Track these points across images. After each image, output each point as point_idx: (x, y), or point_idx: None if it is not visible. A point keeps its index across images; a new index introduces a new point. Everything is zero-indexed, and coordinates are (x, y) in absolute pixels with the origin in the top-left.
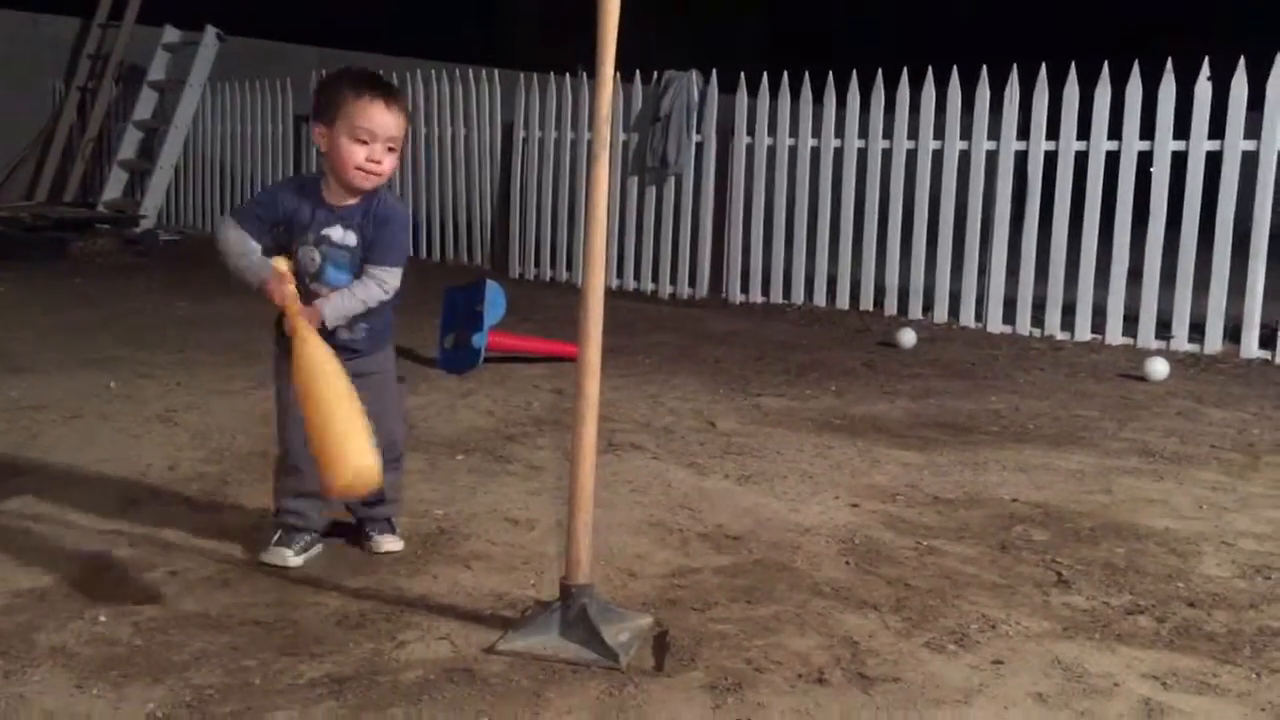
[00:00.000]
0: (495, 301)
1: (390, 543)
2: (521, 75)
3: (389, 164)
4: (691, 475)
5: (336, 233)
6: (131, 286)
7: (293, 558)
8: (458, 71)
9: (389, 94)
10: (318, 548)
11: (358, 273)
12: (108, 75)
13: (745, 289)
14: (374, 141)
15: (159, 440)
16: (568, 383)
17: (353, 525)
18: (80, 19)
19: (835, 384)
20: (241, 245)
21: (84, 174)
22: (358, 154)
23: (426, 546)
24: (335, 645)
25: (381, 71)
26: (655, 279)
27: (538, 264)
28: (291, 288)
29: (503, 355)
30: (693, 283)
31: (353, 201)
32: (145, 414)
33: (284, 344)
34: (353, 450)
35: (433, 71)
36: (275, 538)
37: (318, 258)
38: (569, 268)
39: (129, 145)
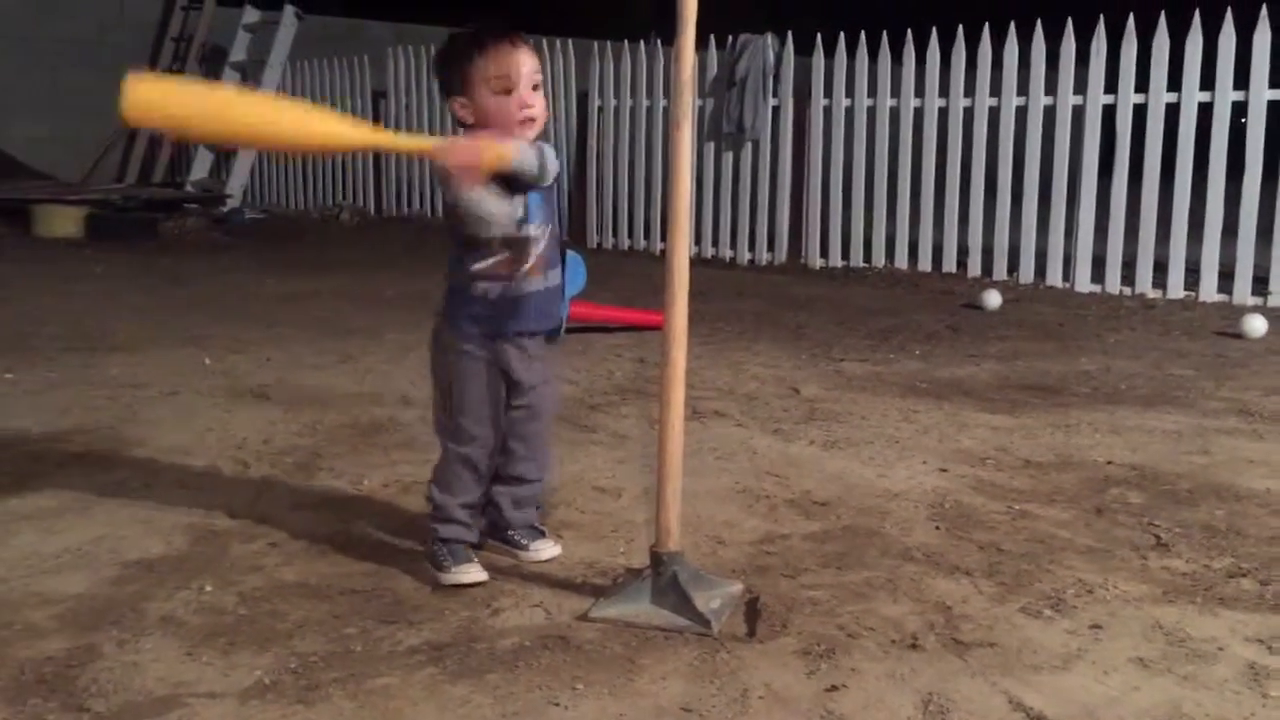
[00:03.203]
0: (576, 272)
1: (549, 548)
2: (595, 44)
3: (541, 103)
4: (777, 442)
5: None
6: (220, 265)
7: (479, 570)
8: (531, 42)
9: (513, 37)
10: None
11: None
12: (191, 57)
13: (825, 253)
14: (518, 86)
15: (254, 414)
16: (649, 351)
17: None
18: (163, 2)
19: (919, 348)
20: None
21: (171, 155)
22: (512, 106)
23: None
24: (432, 613)
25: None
26: (734, 245)
27: (615, 233)
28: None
29: (584, 325)
30: (772, 248)
31: None
32: (239, 389)
33: (460, 346)
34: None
35: None
36: (449, 559)
37: (520, 202)
38: (646, 236)
39: None
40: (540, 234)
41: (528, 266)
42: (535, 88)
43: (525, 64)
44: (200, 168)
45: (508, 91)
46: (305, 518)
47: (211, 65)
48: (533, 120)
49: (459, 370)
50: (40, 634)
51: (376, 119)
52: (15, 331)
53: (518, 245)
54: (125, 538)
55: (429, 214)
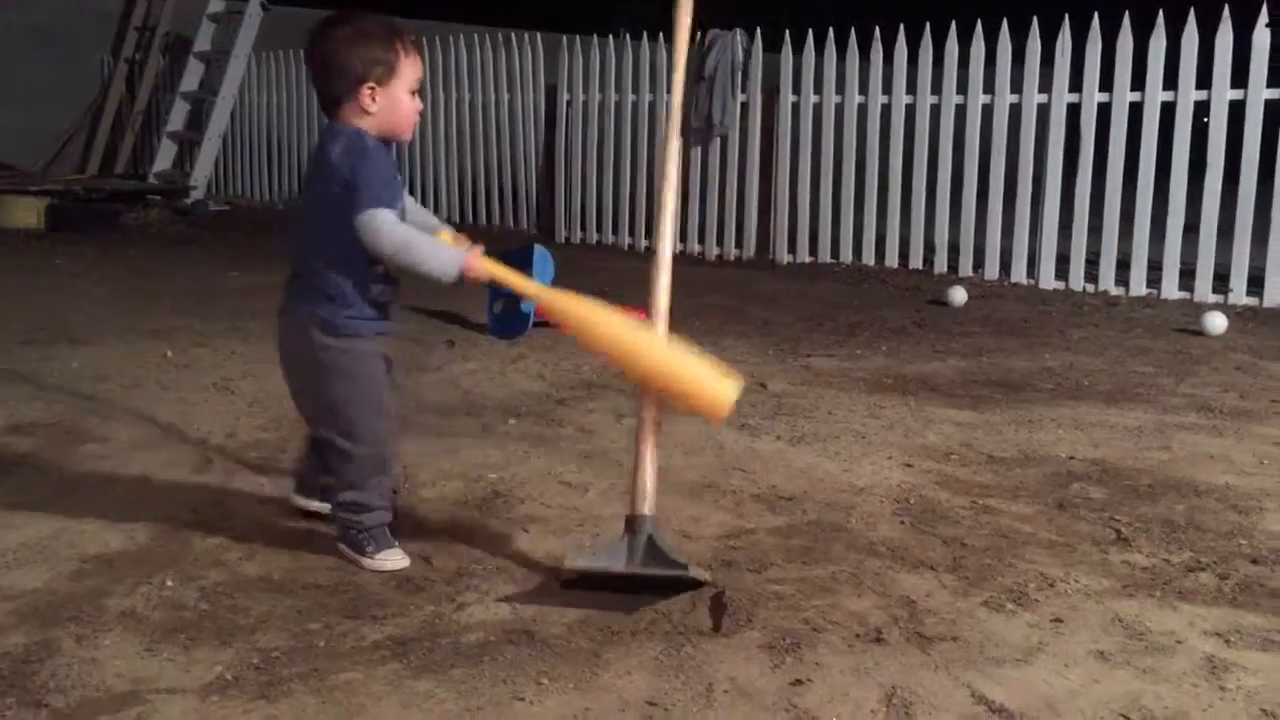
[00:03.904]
0: (543, 267)
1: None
2: (564, 37)
3: None
4: (744, 437)
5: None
6: (184, 257)
7: (402, 555)
8: (500, 35)
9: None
10: None
11: None
12: (155, 47)
13: (793, 249)
14: (418, 91)
15: (217, 408)
16: None
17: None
18: None
19: (886, 343)
20: (412, 232)
21: (134, 146)
22: (413, 108)
23: (482, 510)
24: (396, 608)
25: (424, 39)
26: (701, 240)
27: (584, 228)
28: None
29: (551, 320)
30: (739, 244)
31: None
32: (203, 383)
33: (363, 346)
34: (713, 395)
35: (475, 36)
36: (372, 543)
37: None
38: (615, 231)
39: (177, 116)
40: None
41: None
42: None
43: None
44: (164, 159)
45: (414, 94)
46: (268, 512)
47: (176, 56)
48: (414, 125)
49: (365, 370)
50: None
51: None
52: None
53: None
54: (85, 532)
55: None
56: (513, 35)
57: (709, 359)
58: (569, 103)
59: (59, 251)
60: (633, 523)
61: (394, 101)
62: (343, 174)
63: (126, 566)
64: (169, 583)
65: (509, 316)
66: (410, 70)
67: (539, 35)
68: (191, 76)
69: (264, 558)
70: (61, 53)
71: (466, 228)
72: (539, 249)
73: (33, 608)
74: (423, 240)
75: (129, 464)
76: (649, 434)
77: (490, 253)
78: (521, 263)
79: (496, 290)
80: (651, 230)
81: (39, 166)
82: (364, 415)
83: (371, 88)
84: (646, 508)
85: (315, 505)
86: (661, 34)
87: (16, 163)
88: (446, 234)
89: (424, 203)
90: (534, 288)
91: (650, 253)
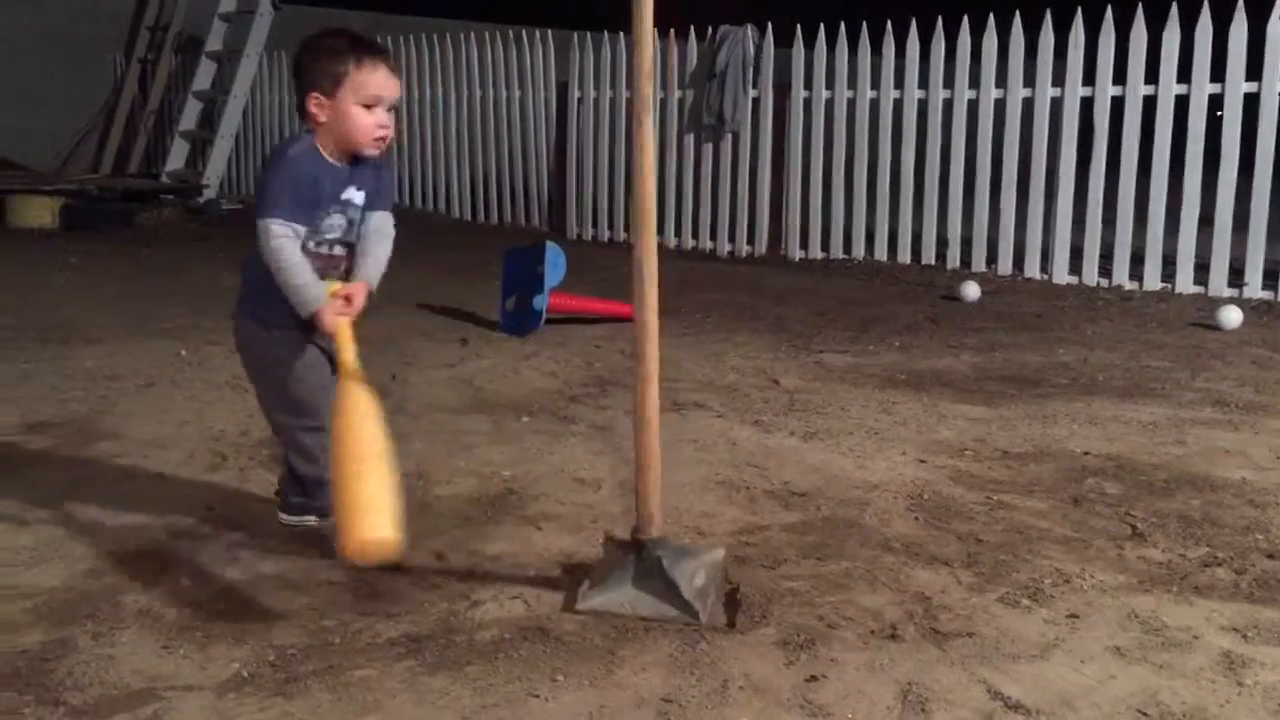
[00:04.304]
0: (555, 263)
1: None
2: (575, 35)
3: (392, 125)
4: (756, 433)
5: (351, 193)
6: (197, 256)
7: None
8: (511, 33)
9: (387, 56)
10: None
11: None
12: (167, 47)
13: (805, 245)
14: (380, 106)
15: (231, 406)
16: (629, 342)
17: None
18: None
19: (899, 339)
20: (294, 258)
21: (147, 145)
22: (370, 122)
23: (496, 508)
24: (411, 605)
25: (435, 35)
26: (714, 237)
27: (595, 225)
28: (346, 320)
29: (563, 316)
30: (752, 240)
31: (350, 161)
32: (216, 381)
33: (283, 333)
34: (368, 523)
35: (486, 34)
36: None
37: (343, 222)
38: (626, 228)
39: (190, 116)
40: (344, 252)
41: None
42: (392, 109)
43: (393, 87)
44: (177, 158)
45: (370, 108)
46: None
47: (188, 55)
48: (385, 140)
49: (302, 355)
50: (15, 627)
51: None
52: None
53: (330, 261)
54: (101, 530)
55: (408, 204)
56: (524, 32)
57: (395, 510)
58: (580, 100)
59: (73, 251)
60: (640, 549)
61: (340, 113)
62: (261, 175)
63: (142, 564)
64: (185, 580)
65: (521, 312)
66: (366, 84)
67: (550, 32)
68: (204, 76)
69: (279, 555)
70: (74, 53)
71: (478, 225)
72: (551, 246)
73: (49, 606)
74: (294, 271)
75: (144, 462)
76: (650, 458)
77: (503, 251)
78: (534, 259)
79: (509, 287)
80: (663, 228)
81: (53, 167)
82: (311, 393)
83: (317, 97)
84: (654, 529)
85: (298, 520)
86: (672, 31)
87: (31, 163)
88: (336, 285)
89: (434, 200)
90: (353, 369)
91: (664, 250)
